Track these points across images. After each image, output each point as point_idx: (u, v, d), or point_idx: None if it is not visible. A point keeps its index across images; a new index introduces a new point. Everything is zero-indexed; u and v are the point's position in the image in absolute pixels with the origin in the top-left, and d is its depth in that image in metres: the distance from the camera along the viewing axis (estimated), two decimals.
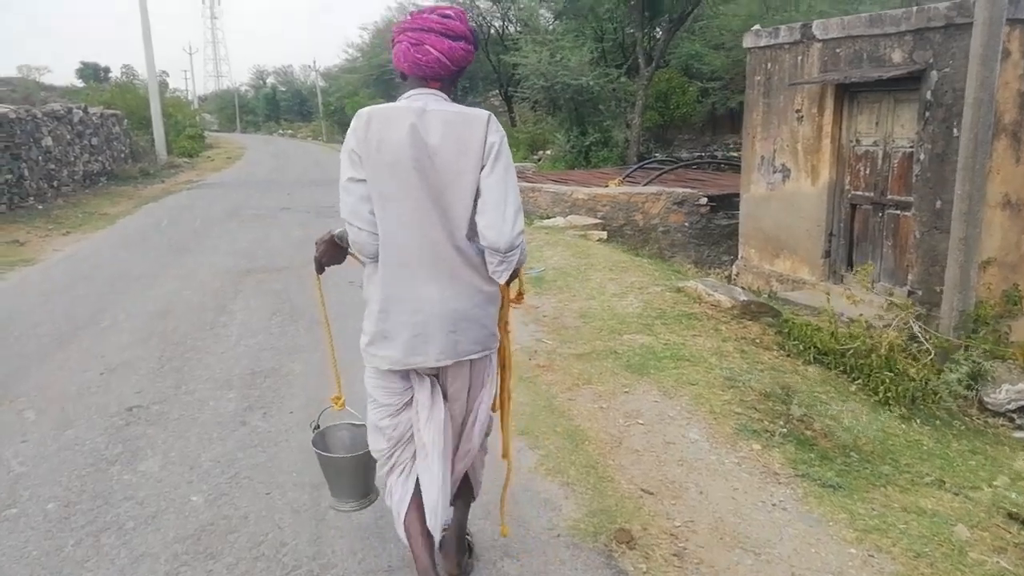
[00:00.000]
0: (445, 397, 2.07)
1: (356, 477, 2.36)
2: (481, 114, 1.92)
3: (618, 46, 21.80)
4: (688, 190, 10.43)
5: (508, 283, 2.08)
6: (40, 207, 11.42)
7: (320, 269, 2.19)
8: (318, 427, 2.41)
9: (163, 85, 29.66)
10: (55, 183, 12.93)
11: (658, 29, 20.78)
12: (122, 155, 18.50)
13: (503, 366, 2.18)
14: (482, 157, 1.89)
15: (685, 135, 27.18)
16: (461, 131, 1.89)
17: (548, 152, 24.89)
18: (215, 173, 20.33)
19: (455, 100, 2.00)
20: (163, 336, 5.04)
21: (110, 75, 28.92)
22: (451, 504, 2.21)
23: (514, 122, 26.93)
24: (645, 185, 11.53)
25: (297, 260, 7.28)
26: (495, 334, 2.08)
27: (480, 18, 27.21)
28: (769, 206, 8.31)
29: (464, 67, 1.99)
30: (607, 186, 11.71)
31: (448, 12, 1.97)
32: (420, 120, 1.88)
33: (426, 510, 2.04)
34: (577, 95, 18.75)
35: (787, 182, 7.98)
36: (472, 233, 1.94)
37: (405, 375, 2.05)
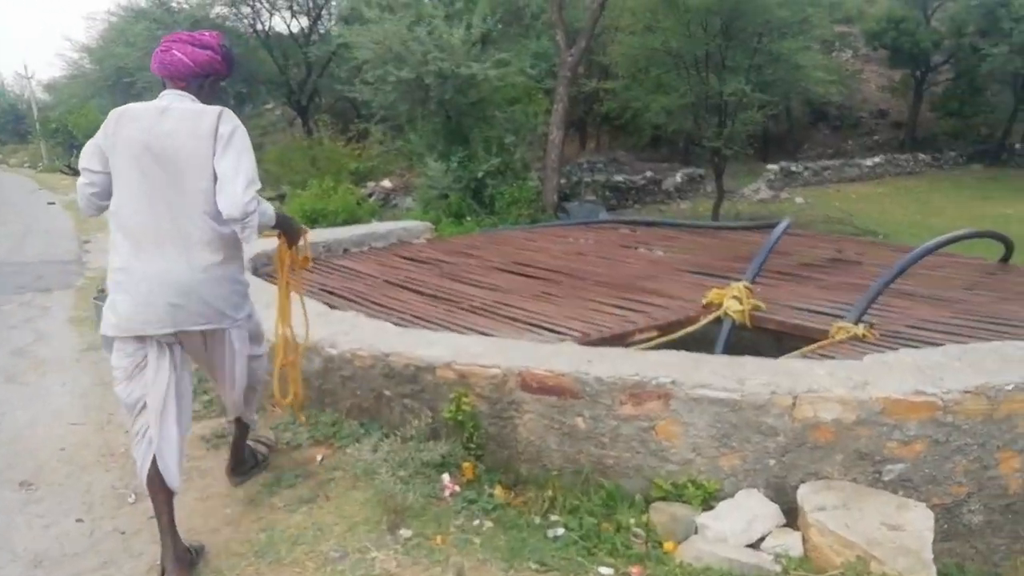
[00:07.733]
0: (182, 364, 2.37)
1: None
2: (214, 108, 2.25)
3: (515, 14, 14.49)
4: None
5: (291, 247, 2.62)
6: None
7: None
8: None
9: None
10: None
11: None
12: None
13: (283, 319, 2.70)
14: (213, 144, 2.19)
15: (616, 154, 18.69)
16: (194, 123, 2.21)
17: (387, 183, 16.89)
18: None
19: (208, 103, 2.32)
20: None
21: None
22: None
23: (314, 139, 18.00)
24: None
25: None
26: (225, 313, 2.33)
27: (253, 14, 18.13)
28: None
29: (211, 72, 2.36)
30: (708, 303, 4.41)
31: (203, 30, 2.48)
32: (161, 116, 2.23)
33: (161, 470, 2.29)
34: (459, 94, 11.20)
35: None
36: (216, 213, 2.22)
37: (140, 341, 2.28)
